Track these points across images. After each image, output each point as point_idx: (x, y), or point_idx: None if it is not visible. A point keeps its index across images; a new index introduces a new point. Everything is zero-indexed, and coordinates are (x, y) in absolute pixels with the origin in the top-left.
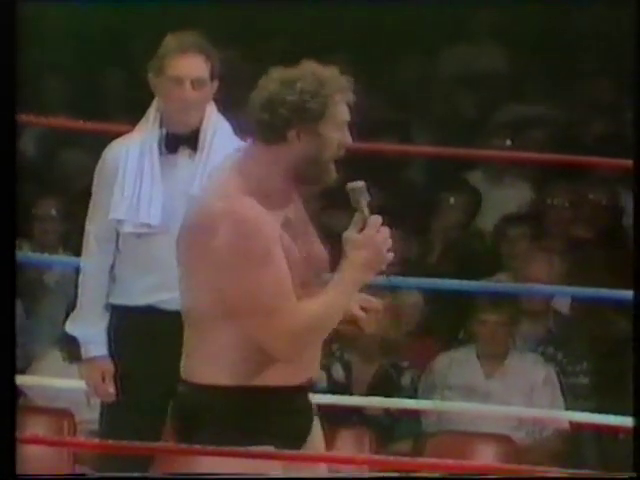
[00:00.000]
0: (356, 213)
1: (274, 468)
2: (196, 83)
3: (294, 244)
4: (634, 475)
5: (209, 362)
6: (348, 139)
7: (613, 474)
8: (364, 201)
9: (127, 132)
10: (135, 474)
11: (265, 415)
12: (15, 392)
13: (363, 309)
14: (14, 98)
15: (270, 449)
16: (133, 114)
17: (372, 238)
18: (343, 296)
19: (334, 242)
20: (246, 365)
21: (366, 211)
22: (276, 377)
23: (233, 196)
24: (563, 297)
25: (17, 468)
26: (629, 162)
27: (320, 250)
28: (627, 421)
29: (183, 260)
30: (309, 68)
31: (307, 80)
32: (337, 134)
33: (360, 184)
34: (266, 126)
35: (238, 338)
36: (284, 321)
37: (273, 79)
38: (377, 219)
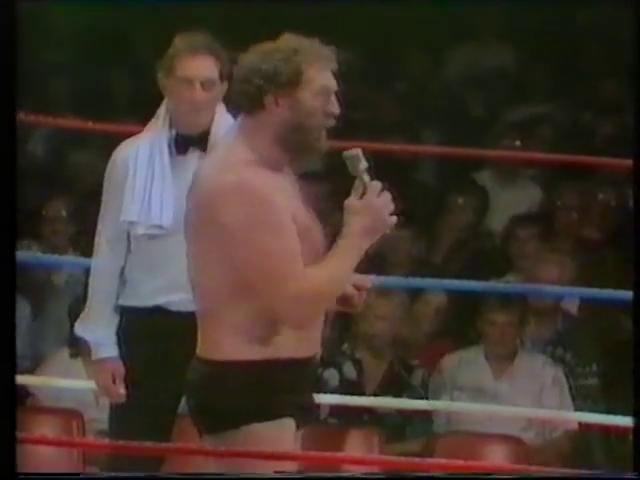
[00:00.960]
0: (356, 180)
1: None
2: (206, 84)
3: (303, 211)
4: (635, 475)
5: (223, 338)
6: (333, 107)
7: (614, 474)
8: (362, 167)
9: (136, 133)
10: (139, 474)
11: (282, 387)
12: (15, 391)
13: (356, 287)
14: (14, 98)
15: (290, 422)
16: (142, 114)
17: (371, 203)
18: (347, 262)
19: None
20: (260, 339)
21: (365, 177)
22: (288, 350)
23: (240, 167)
24: (572, 298)
25: (25, 468)
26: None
27: (315, 219)
28: (627, 421)
29: (194, 239)
30: (286, 39)
31: (282, 49)
32: (317, 101)
33: (356, 151)
34: (244, 96)
35: (252, 312)
36: (293, 286)
37: (253, 53)
38: (377, 185)
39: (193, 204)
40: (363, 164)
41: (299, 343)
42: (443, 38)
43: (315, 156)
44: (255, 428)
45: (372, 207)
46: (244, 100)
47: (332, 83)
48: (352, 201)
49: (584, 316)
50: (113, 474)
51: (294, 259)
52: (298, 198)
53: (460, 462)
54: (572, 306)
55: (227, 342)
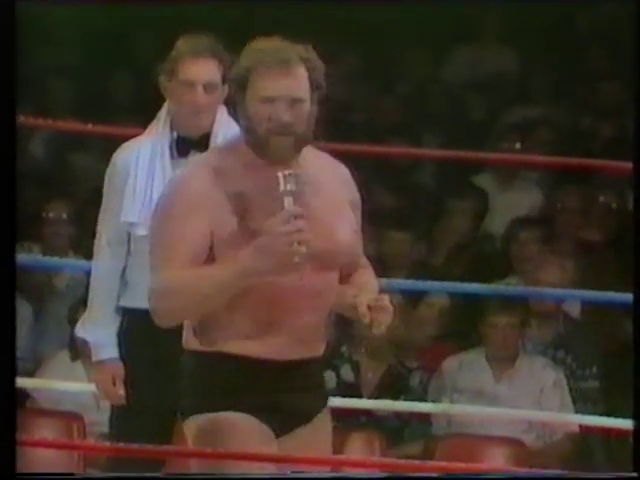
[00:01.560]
0: None
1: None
2: (208, 87)
3: (243, 219)
4: (635, 475)
5: (188, 328)
6: (276, 115)
7: (613, 474)
8: (283, 189)
9: (137, 135)
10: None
11: (245, 383)
12: (15, 391)
13: (369, 307)
14: (14, 99)
15: (246, 419)
16: (143, 117)
17: (271, 228)
18: (226, 275)
19: None
20: (227, 332)
21: (285, 200)
22: (260, 347)
23: (192, 167)
24: (573, 301)
25: (26, 470)
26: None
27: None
28: (628, 424)
29: None
30: (254, 42)
31: (243, 52)
32: (258, 107)
33: (284, 172)
34: None
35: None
36: (155, 279)
37: None
38: (291, 211)
39: None
40: (286, 187)
41: (280, 344)
42: (443, 41)
43: (281, 163)
44: (204, 418)
45: (271, 231)
46: None
47: (279, 91)
48: (265, 221)
49: (585, 319)
50: (111, 474)
51: (171, 256)
52: (249, 210)
53: (461, 464)
54: (573, 308)
55: (189, 332)
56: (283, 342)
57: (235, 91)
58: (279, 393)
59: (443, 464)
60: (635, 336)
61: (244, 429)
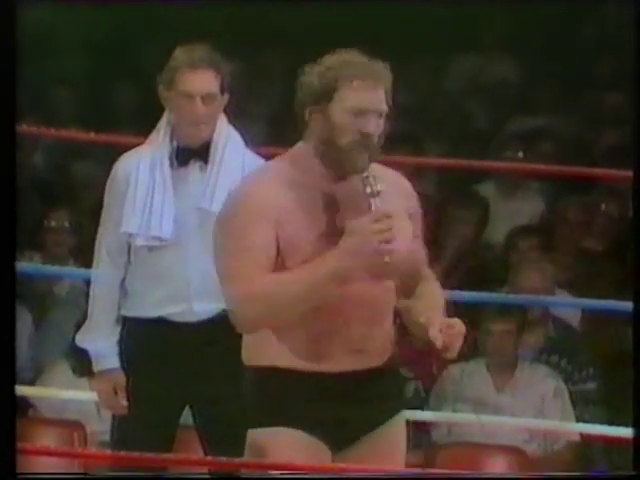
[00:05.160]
0: None
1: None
2: (206, 98)
3: (309, 227)
4: (634, 474)
5: (251, 344)
6: (364, 127)
7: (613, 474)
8: (367, 191)
9: (139, 144)
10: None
11: (297, 397)
12: (15, 392)
13: (440, 330)
14: (14, 108)
15: (290, 433)
16: (144, 126)
17: (363, 226)
18: (316, 276)
19: None
20: (278, 347)
21: (372, 202)
22: (311, 360)
23: (257, 178)
24: (574, 309)
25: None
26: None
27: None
28: (628, 431)
29: None
30: (334, 54)
31: (322, 64)
32: (346, 119)
33: (367, 174)
34: (295, 109)
35: None
36: (243, 287)
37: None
38: (379, 211)
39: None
40: (373, 188)
41: (315, 356)
42: (446, 49)
43: (354, 175)
44: (251, 434)
45: (361, 230)
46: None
47: (370, 104)
48: (350, 221)
49: (581, 324)
50: (110, 474)
51: (248, 263)
52: (316, 215)
53: (462, 473)
54: (562, 311)
55: (250, 346)
56: (334, 354)
57: (316, 101)
58: (333, 406)
59: (444, 472)
60: (635, 345)
61: (291, 445)
